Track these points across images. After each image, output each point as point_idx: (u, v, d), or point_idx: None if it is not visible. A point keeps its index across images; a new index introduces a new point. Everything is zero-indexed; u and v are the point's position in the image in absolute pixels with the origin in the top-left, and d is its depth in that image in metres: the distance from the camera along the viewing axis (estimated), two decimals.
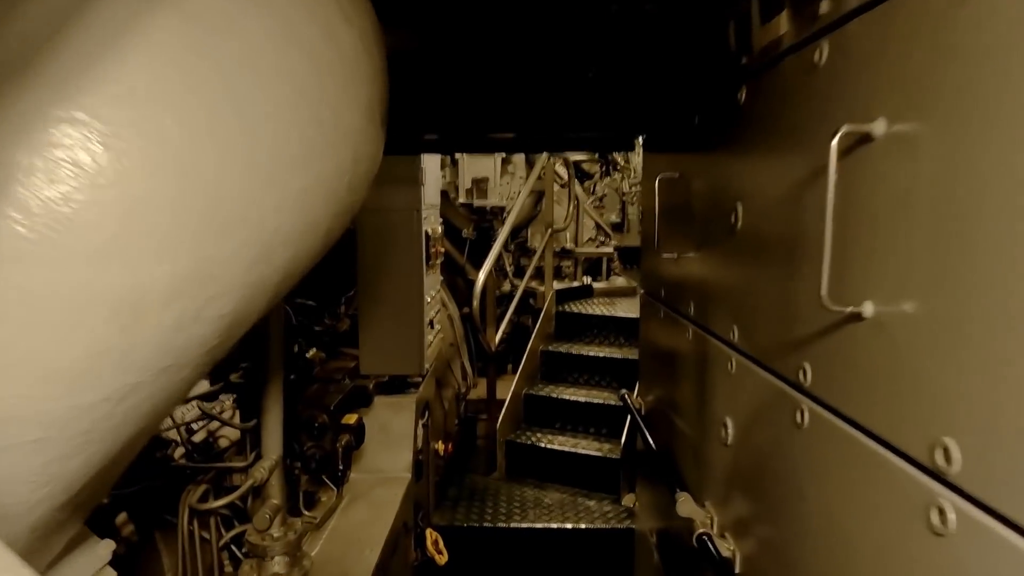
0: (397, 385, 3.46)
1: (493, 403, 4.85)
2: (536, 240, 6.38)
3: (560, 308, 5.53)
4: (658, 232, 1.99)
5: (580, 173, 7.21)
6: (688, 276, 1.85)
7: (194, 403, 2.18)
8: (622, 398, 2.60)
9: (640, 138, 2.51)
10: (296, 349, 2.44)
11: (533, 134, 2.06)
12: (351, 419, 2.35)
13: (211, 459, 2.19)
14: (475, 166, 5.36)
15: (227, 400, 2.29)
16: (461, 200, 5.42)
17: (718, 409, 1.54)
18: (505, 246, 6.14)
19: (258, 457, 2.02)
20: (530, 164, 5.77)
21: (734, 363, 1.41)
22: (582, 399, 4.75)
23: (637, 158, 15.39)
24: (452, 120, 1.70)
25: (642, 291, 2.61)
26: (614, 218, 13.98)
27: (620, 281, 6.52)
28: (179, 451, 2.15)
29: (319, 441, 2.22)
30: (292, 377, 2.34)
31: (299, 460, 2.24)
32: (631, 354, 4.95)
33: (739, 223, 1.38)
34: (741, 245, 1.39)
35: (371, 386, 2.79)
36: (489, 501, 4.25)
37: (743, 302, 1.37)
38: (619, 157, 15.55)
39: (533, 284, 6.17)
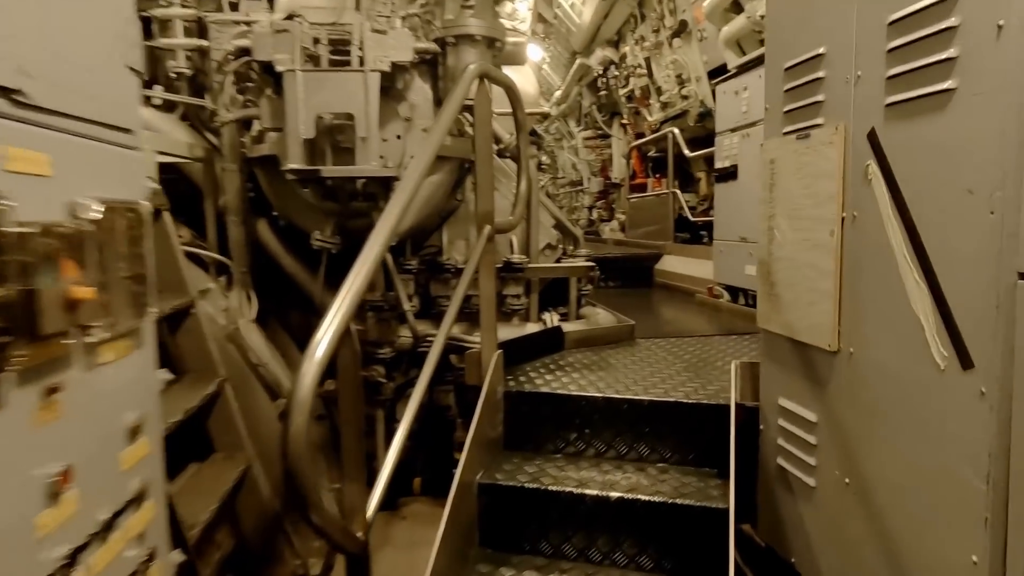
0: None
1: None
2: (457, 251, 3.70)
3: (511, 383, 2.87)
4: None
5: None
6: None
7: None
8: None
9: None
10: None
11: None
12: None
13: None
14: (324, 86, 2.58)
15: None
16: (294, 164, 2.65)
17: None
18: (399, 263, 3.42)
19: None
20: (438, 102, 3.10)
21: None
22: None
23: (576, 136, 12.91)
24: None
25: None
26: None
27: (602, 316, 3.94)
28: None
29: None
30: None
31: None
32: (670, 491, 2.36)
33: None
34: None
35: None
36: None
37: None
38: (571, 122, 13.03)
39: (457, 332, 3.48)
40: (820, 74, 1.92)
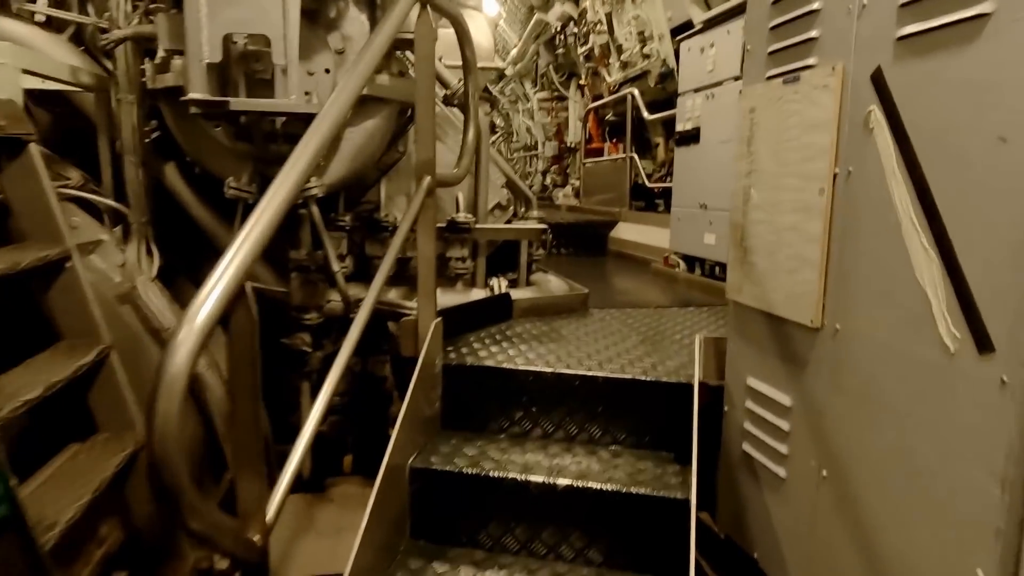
0: None
1: None
2: (397, 207, 3.36)
3: (451, 355, 2.58)
4: None
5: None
6: None
7: None
8: None
9: None
10: None
11: None
12: None
13: None
14: (234, 1, 2.15)
15: None
16: (195, 94, 2.24)
17: None
18: (331, 219, 3.07)
19: None
20: (374, 20, 2.71)
21: None
22: None
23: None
24: None
25: None
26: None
27: (554, 284, 3.67)
28: None
29: None
30: None
31: None
32: (624, 477, 2.13)
33: None
34: None
35: None
36: None
37: None
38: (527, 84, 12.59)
39: (393, 296, 3.17)
40: (815, 5, 1.66)
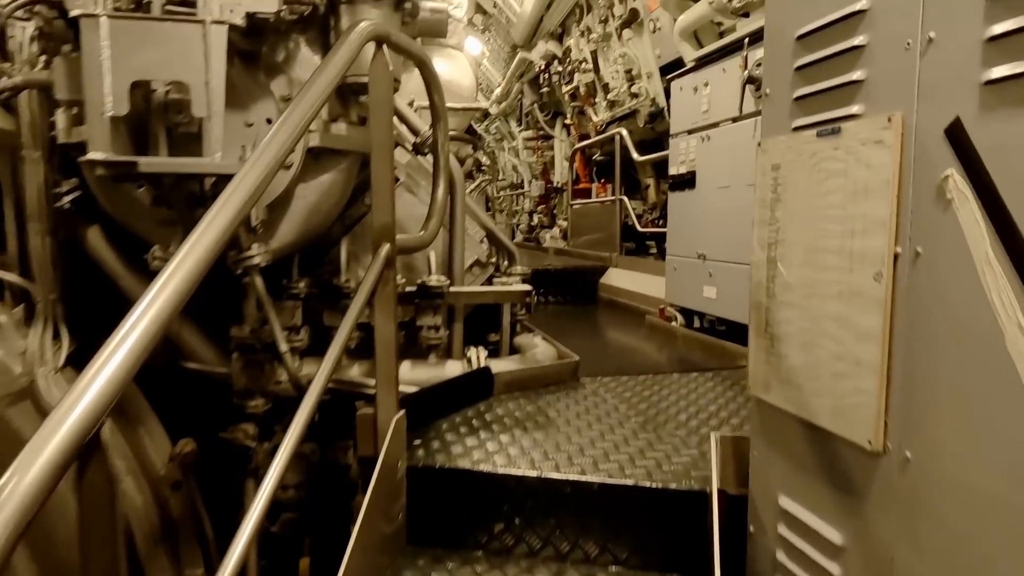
0: None
1: None
2: (362, 268, 2.98)
3: (419, 452, 2.18)
4: None
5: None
6: None
7: None
8: None
9: None
10: None
11: None
12: None
13: None
14: (146, 41, 1.77)
15: None
16: (96, 154, 1.85)
17: None
18: (284, 287, 2.69)
19: None
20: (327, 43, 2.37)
21: None
22: None
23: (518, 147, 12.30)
24: None
25: None
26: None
27: (540, 350, 3.28)
28: None
29: None
30: None
31: None
32: None
33: None
34: None
35: None
36: None
37: None
38: (511, 122, 12.31)
39: (355, 374, 2.77)
40: (859, 40, 1.32)
